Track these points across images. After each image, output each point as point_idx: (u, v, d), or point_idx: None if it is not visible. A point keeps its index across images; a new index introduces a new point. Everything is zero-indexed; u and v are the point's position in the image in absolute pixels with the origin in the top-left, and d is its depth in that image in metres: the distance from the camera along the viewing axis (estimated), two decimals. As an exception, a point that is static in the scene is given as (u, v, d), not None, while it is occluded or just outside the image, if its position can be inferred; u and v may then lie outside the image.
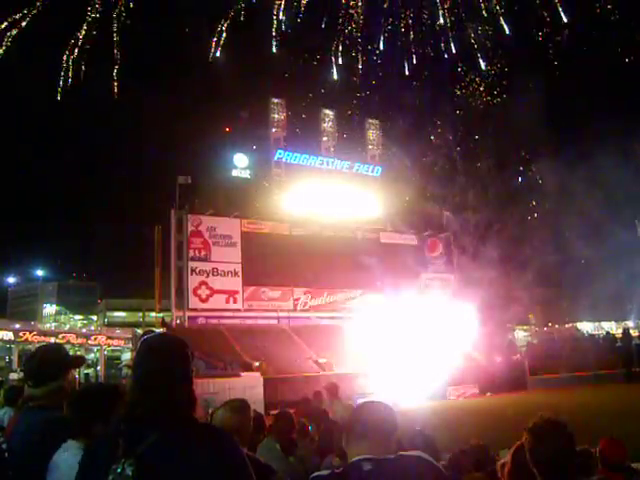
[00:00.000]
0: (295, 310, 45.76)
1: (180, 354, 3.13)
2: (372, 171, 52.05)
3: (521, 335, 60.76)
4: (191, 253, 43.33)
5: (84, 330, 62.71)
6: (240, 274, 44.26)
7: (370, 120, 53.73)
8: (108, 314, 62.59)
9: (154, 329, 48.71)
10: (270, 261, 43.74)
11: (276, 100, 49.53)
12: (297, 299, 46.06)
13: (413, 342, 33.95)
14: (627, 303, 57.06)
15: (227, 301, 43.89)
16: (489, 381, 35.84)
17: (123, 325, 58.55)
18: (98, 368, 56.74)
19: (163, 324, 45.89)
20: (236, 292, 44.15)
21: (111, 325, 60.68)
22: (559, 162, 47.52)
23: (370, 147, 53.27)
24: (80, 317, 71.93)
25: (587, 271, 51.43)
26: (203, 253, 43.68)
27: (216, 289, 43.48)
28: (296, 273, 44.60)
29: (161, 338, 3.40)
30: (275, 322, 44.63)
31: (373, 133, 53.62)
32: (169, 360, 3.05)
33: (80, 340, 56.45)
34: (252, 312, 44.20)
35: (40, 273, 72.54)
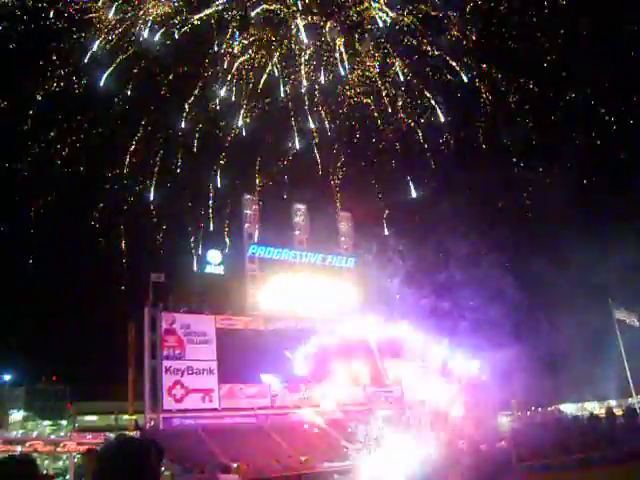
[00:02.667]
0: (273, 407, 44.69)
1: (133, 466, 3.06)
2: (346, 262, 52.58)
3: (504, 421, 59.80)
4: (165, 352, 42.57)
5: (53, 436, 59.95)
6: (215, 372, 43.44)
7: (342, 213, 54.69)
8: (79, 418, 60.19)
9: (126, 433, 47.06)
10: (246, 357, 43.11)
11: (248, 196, 50.38)
12: (275, 395, 45.08)
13: (396, 432, 33.25)
14: (608, 382, 56.88)
15: (203, 400, 42.79)
16: (475, 470, 34.85)
17: (95, 430, 56.28)
18: (67, 477, 53.89)
19: (136, 427, 44.35)
20: (212, 390, 43.16)
21: (82, 430, 58.21)
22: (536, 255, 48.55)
23: (343, 239, 54.03)
24: (49, 422, 69.00)
25: (567, 353, 51.50)
26: (177, 351, 42.96)
27: (191, 388, 42.49)
28: (273, 368, 43.89)
29: (111, 452, 3.27)
30: (253, 420, 43.40)
31: (345, 225, 54.55)
32: (128, 470, 2.98)
33: (48, 448, 53.75)
34: (229, 411, 43.00)
35: (7, 378, 70.14)
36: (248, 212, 50.14)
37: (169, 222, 45.32)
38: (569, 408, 64.86)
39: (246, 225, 49.82)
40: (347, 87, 44.08)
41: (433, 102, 44.67)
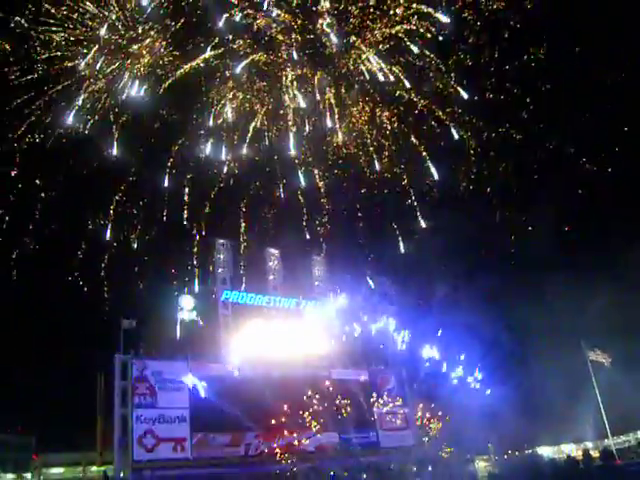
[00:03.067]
0: (247, 456, 43.63)
1: None
2: (319, 307, 52.40)
3: (482, 465, 59.29)
4: (136, 400, 41.62)
5: (17, 491, 57.72)
6: (188, 419, 42.42)
7: (315, 257, 54.83)
8: (44, 471, 57.98)
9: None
10: (219, 404, 42.25)
11: (221, 241, 50.26)
12: (249, 444, 44.08)
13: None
14: (584, 424, 56.93)
15: (175, 450, 41.64)
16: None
17: (61, 483, 54.42)
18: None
19: (105, 479, 43.02)
20: (184, 440, 42.06)
21: (48, 483, 56.20)
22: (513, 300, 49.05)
23: (317, 283, 53.99)
24: (12, 476, 66.39)
25: (543, 395, 51.58)
26: (149, 399, 42.00)
27: (163, 437, 41.40)
28: (246, 416, 43.00)
29: None
30: (227, 470, 42.22)
31: (319, 270, 54.60)
32: None
33: (12, 504, 51.84)
34: (201, 461, 41.82)
35: (-31, 429, 67.62)
36: (221, 257, 49.96)
37: (141, 268, 44.91)
38: (546, 450, 64.63)
39: (219, 270, 49.57)
40: (334, 137, 44.70)
41: (423, 152, 45.34)
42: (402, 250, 49.91)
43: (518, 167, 47.47)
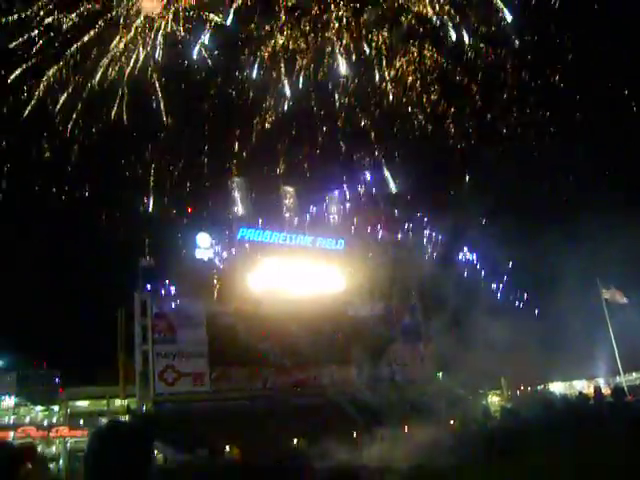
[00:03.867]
0: (265, 389, 44.79)
1: (130, 446, 3.15)
2: (335, 244, 52.49)
3: (495, 400, 60.39)
4: (156, 336, 42.57)
5: (45, 422, 60.01)
6: (206, 355, 43.45)
7: (331, 194, 54.52)
8: (70, 404, 60.03)
9: (119, 417, 47.14)
10: (237, 340, 43.12)
11: (237, 179, 50.06)
12: (266, 378, 45.19)
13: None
14: (596, 361, 57.44)
15: (194, 383, 42.86)
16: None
17: (87, 415, 56.33)
18: (60, 462, 54.02)
19: (128, 411, 44.49)
20: (203, 374, 43.21)
21: (74, 415, 58.24)
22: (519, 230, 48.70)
23: (332, 221, 53.89)
24: (41, 408, 68.95)
25: (555, 331, 51.92)
26: (168, 335, 42.93)
27: (183, 372, 42.55)
28: (264, 351, 43.90)
29: (103, 436, 3.32)
30: (246, 403, 43.48)
31: (334, 207, 54.40)
32: (118, 454, 3.08)
33: (41, 433, 53.93)
34: (221, 394, 43.05)
35: (-1, 363, 69.94)
36: (237, 195, 49.88)
37: (157, 206, 44.98)
38: (558, 387, 65.47)
39: (235, 208, 49.59)
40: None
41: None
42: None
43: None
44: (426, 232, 50.87)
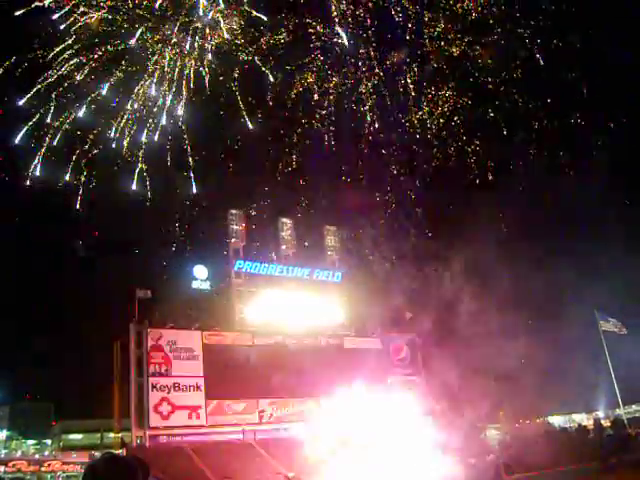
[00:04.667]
0: (260, 423, 44.35)
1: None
2: (332, 277, 52.51)
3: (493, 433, 59.75)
4: (151, 368, 42.17)
5: (37, 456, 59.19)
6: (202, 388, 43.05)
7: (328, 226, 54.67)
8: (64, 437, 59.38)
9: (112, 451, 46.53)
10: (233, 373, 42.85)
11: (234, 211, 50.25)
12: (262, 411, 44.78)
13: (383, 450, 32.96)
14: (595, 393, 57.14)
15: (190, 417, 42.35)
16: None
17: (80, 448, 55.65)
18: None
19: (123, 445, 43.87)
20: (199, 407, 42.75)
21: (67, 449, 57.53)
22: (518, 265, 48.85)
23: (329, 253, 53.98)
24: (33, 442, 68.05)
25: (554, 364, 51.69)
26: (164, 368, 42.56)
27: (178, 405, 42.06)
28: (260, 384, 43.57)
29: (105, 464, 3.30)
30: (241, 437, 43.03)
31: (332, 239, 54.52)
32: None
33: (32, 467, 53.19)
34: (216, 427, 42.61)
35: (-11, 397, 69.12)
36: (234, 227, 50.00)
37: (155, 238, 45.13)
38: (557, 419, 64.96)
39: (232, 240, 49.68)
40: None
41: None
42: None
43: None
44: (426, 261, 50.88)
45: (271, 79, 41.26)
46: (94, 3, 37.09)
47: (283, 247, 52.08)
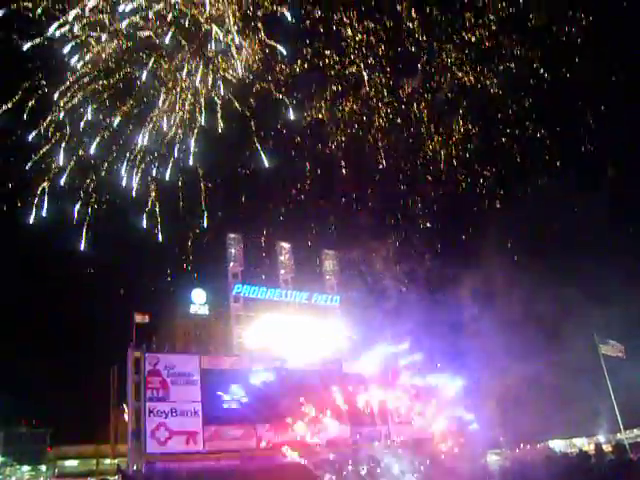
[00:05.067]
0: (259, 448, 43.81)
1: None
2: (331, 300, 52.46)
3: (493, 459, 59.16)
4: (149, 393, 41.77)
5: (32, 483, 58.42)
6: (200, 413, 42.60)
7: (326, 251, 54.75)
8: (59, 463, 58.58)
9: (108, 478, 45.96)
10: (231, 398, 42.56)
11: (233, 235, 50.30)
12: (260, 437, 44.25)
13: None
14: (596, 417, 56.73)
15: (187, 443, 41.79)
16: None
17: (75, 475, 54.90)
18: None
19: (119, 471, 43.37)
20: (196, 433, 42.21)
21: (62, 475, 56.73)
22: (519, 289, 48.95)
23: (328, 277, 53.98)
24: (28, 468, 67.11)
25: (554, 389, 51.44)
26: (161, 393, 42.17)
27: (175, 430, 41.55)
28: (258, 409, 43.19)
29: None
30: (239, 462, 42.45)
31: (330, 263, 54.57)
32: None
33: (27, 495, 52.50)
34: (214, 454, 42.03)
35: (-15, 423, 68.35)
36: (232, 251, 50.02)
37: (153, 262, 45.11)
38: (558, 444, 64.37)
39: (231, 264, 49.67)
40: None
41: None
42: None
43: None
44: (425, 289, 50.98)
45: (291, 114, 41.59)
46: (104, 36, 37.47)
47: (282, 271, 52.07)
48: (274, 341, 47.36)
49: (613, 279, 45.65)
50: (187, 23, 37.49)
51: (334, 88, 42.49)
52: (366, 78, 41.89)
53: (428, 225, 49.26)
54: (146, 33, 37.37)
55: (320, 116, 42.54)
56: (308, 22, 39.71)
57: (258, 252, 50.99)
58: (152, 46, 38.47)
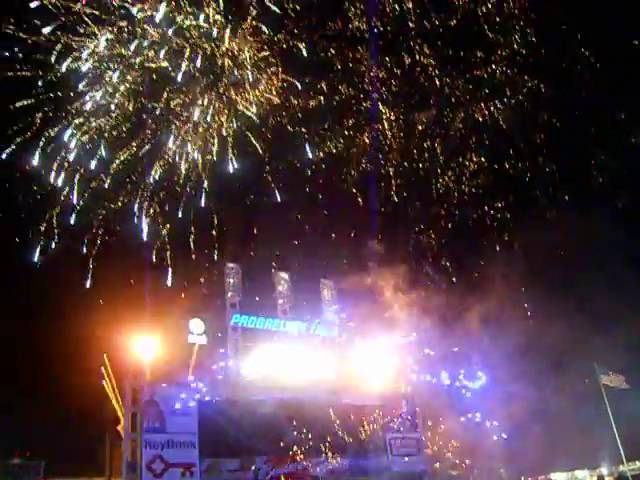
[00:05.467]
0: (256, 480, 43.24)
1: None
2: (329, 331, 52.25)
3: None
4: (145, 424, 41.33)
5: (25, 518, 57.20)
6: (197, 445, 42.07)
7: (324, 280, 54.68)
8: (52, 497, 57.56)
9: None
10: (228, 429, 42.02)
11: (231, 265, 50.26)
12: (258, 469, 43.67)
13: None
14: (598, 449, 56.17)
15: (183, 475, 41.18)
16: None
17: (69, 509, 53.90)
18: None
19: (114, 504, 42.79)
20: (193, 465, 41.63)
21: (56, 510, 55.66)
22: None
23: (326, 307, 53.81)
24: (22, 502, 65.93)
25: (556, 420, 51.07)
26: (157, 424, 41.72)
27: (171, 462, 40.98)
28: (256, 441, 42.69)
29: None
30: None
31: (328, 293, 54.47)
32: None
33: (21, 529, 51.36)
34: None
35: (-22, 454, 67.34)
36: (231, 281, 49.94)
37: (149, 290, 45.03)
38: (560, 477, 63.66)
39: (229, 294, 49.55)
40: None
41: None
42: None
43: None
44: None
45: (308, 153, 42.28)
46: (117, 72, 38.00)
47: (280, 301, 51.91)
48: (273, 371, 47.02)
49: (616, 308, 45.64)
50: (202, 58, 38.06)
51: (348, 122, 43.33)
52: (381, 111, 42.64)
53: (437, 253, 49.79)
54: (161, 65, 37.89)
55: (334, 150, 43.24)
56: (323, 56, 40.59)
57: (256, 282, 50.94)
58: (166, 80, 38.97)
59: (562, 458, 57.13)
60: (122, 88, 38.35)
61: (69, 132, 38.21)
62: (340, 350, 51.23)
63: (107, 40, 36.49)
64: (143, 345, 43.53)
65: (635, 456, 54.63)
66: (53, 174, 38.95)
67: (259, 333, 48.77)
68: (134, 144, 40.04)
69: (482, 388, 52.92)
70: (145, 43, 36.99)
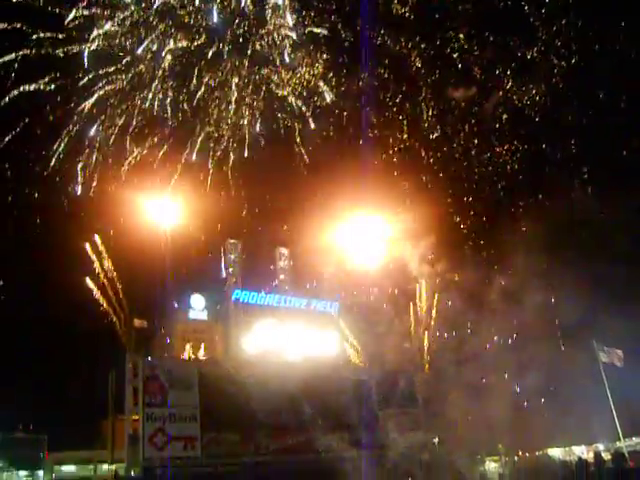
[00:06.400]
0: (257, 454, 43.66)
1: None
2: (329, 307, 52.40)
3: (492, 466, 58.95)
4: (147, 399, 41.65)
5: (29, 488, 58.10)
6: (198, 419, 42.47)
7: (326, 257, 54.58)
8: (56, 468, 58.33)
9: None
10: (230, 403, 42.36)
11: (232, 241, 50.31)
12: (259, 442, 44.11)
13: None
14: (595, 425, 56.62)
15: (185, 448, 41.64)
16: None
17: (73, 480, 54.72)
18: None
19: (116, 477, 43.25)
20: (195, 438, 42.07)
21: (60, 480, 56.49)
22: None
23: (326, 283, 53.85)
24: (25, 473, 66.84)
25: (553, 395, 51.33)
26: (159, 398, 42.03)
27: (173, 436, 41.40)
28: (257, 415, 43.07)
29: None
30: (237, 468, 42.33)
31: (329, 270, 54.47)
32: None
33: (24, 500, 52.25)
34: (212, 459, 41.88)
35: (-19, 426, 68.08)
36: (232, 257, 50.02)
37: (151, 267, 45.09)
38: (557, 452, 64.23)
39: (230, 270, 49.66)
40: None
41: None
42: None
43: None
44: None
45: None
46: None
47: (280, 277, 52.04)
48: (272, 347, 47.35)
49: (616, 285, 45.67)
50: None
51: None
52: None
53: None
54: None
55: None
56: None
57: (257, 257, 51.03)
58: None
59: (559, 434, 57.62)
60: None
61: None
62: (341, 326, 51.47)
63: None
64: (144, 321, 43.79)
65: (631, 433, 55.09)
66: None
67: (259, 309, 49.01)
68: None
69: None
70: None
